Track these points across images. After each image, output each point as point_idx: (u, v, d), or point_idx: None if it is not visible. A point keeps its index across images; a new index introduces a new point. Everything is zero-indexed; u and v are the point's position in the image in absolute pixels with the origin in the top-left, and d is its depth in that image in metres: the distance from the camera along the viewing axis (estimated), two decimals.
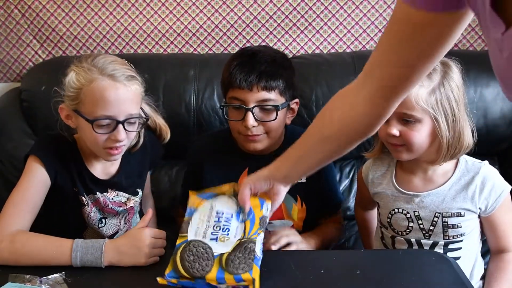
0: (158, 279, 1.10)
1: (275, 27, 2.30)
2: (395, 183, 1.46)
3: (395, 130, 1.34)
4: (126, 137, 1.38)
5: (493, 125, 1.99)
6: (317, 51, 2.32)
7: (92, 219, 1.49)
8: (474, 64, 2.04)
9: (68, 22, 2.32)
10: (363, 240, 1.72)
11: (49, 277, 1.13)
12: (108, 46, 2.34)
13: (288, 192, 1.42)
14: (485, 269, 1.48)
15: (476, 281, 1.47)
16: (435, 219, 1.40)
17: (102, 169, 1.51)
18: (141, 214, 1.64)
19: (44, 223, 1.37)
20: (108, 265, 1.22)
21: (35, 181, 1.38)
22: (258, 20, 2.29)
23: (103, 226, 1.51)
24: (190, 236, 1.16)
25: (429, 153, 1.38)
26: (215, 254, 1.12)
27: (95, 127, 1.34)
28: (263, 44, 2.31)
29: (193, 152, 1.72)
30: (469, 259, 1.44)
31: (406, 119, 1.33)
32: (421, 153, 1.38)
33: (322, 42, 2.30)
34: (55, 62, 2.28)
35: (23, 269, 1.16)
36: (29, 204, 1.35)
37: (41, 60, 2.35)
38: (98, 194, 1.48)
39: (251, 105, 1.47)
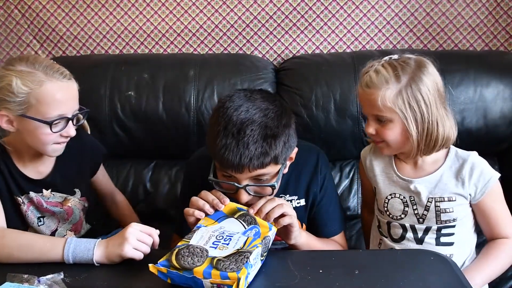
0: (150, 265, 1.13)
1: (275, 27, 2.30)
2: (395, 168, 1.54)
3: (371, 129, 1.46)
4: (75, 132, 1.46)
5: (493, 125, 1.99)
6: (317, 51, 2.32)
7: (30, 217, 1.51)
8: (474, 64, 2.04)
9: (68, 22, 2.32)
10: (367, 241, 1.72)
11: (47, 276, 1.13)
12: (108, 46, 2.35)
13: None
14: None
15: None
16: (428, 203, 1.48)
17: (35, 169, 1.52)
18: (98, 211, 1.73)
19: None
20: (99, 260, 1.23)
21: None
22: (258, 20, 2.29)
23: (42, 225, 1.53)
24: (193, 241, 1.20)
25: (406, 148, 1.46)
26: (209, 255, 1.15)
27: (53, 127, 1.38)
28: (263, 44, 2.31)
29: (188, 174, 1.64)
30: (463, 247, 1.50)
31: (379, 119, 1.43)
32: (400, 148, 1.47)
33: (322, 42, 2.30)
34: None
35: (21, 269, 1.16)
36: None
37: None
38: (32, 194, 1.50)
39: (244, 183, 1.32)
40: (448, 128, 1.43)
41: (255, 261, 1.15)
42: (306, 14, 2.27)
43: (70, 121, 1.43)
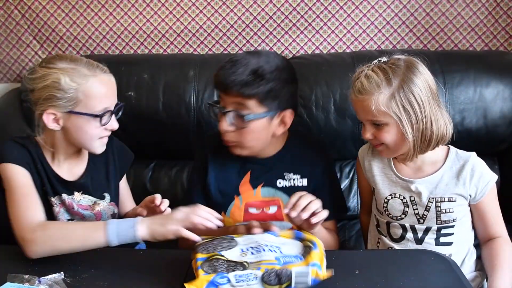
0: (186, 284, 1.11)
1: (275, 27, 2.30)
2: (394, 169, 1.54)
3: (368, 135, 1.46)
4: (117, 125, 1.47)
5: (493, 125, 1.99)
6: (317, 51, 2.32)
7: (61, 219, 1.49)
8: (474, 64, 2.04)
9: (68, 23, 2.32)
10: (366, 244, 1.72)
11: (48, 277, 1.13)
12: (108, 47, 2.35)
13: (287, 193, 1.57)
14: (477, 257, 1.55)
15: (468, 270, 1.52)
16: (429, 204, 1.48)
17: (69, 170, 1.51)
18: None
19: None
20: (143, 235, 1.24)
21: (21, 179, 1.39)
22: (258, 20, 2.29)
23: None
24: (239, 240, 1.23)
25: (405, 149, 1.46)
26: (219, 251, 1.18)
27: (102, 120, 1.41)
28: (263, 44, 2.31)
29: (201, 147, 1.72)
30: (461, 246, 1.51)
31: (375, 123, 1.43)
32: (399, 150, 1.47)
33: (322, 42, 2.30)
34: None
35: (21, 269, 1.16)
36: (31, 197, 1.37)
37: (41, 60, 2.35)
38: (64, 196, 1.49)
39: (228, 109, 1.48)
40: (443, 125, 1.43)
41: (241, 279, 1.11)
42: (306, 14, 2.28)
43: (113, 114, 1.45)
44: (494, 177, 1.49)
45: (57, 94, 1.38)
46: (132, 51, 2.35)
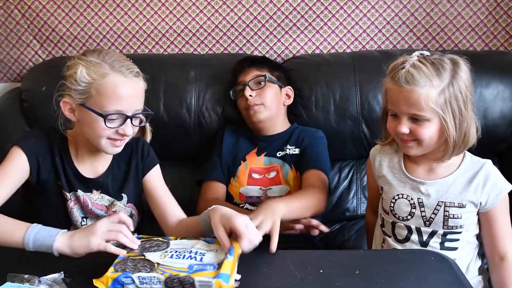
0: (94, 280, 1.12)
1: (275, 27, 2.30)
2: (404, 169, 1.49)
3: (404, 128, 1.37)
4: (133, 131, 1.43)
5: (493, 125, 1.99)
6: (317, 51, 2.32)
7: (75, 215, 1.48)
8: (474, 64, 2.00)
9: (68, 22, 2.32)
10: (369, 243, 1.72)
11: (48, 277, 1.13)
12: (108, 46, 2.34)
13: (284, 160, 1.89)
14: (481, 265, 1.52)
15: (472, 276, 1.49)
16: (438, 207, 1.43)
17: (91, 167, 1.51)
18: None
19: (31, 219, 1.35)
20: (60, 248, 1.20)
21: (14, 165, 1.40)
22: (258, 20, 2.29)
23: (86, 225, 1.49)
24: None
25: (436, 150, 1.41)
26: (142, 252, 1.19)
27: (107, 121, 1.37)
28: (263, 44, 2.32)
29: (220, 126, 2.08)
30: (466, 253, 1.47)
31: (415, 118, 1.36)
32: (431, 149, 1.41)
33: (322, 42, 2.30)
34: (55, 62, 2.28)
35: (22, 269, 1.15)
36: (5, 182, 1.37)
37: (41, 60, 2.36)
38: (80, 192, 1.48)
39: (248, 80, 1.92)
40: (473, 131, 1.39)
41: (144, 281, 1.10)
42: (306, 14, 2.28)
43: (129, 120, 1.39)
44: (508, 187, 1.43)
45: (71, 85, 1.39)
46: (132, 51, 2.35)
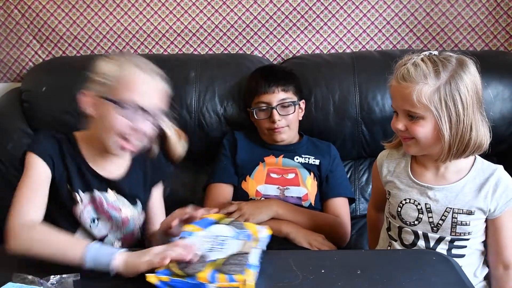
0: (147, 275, 1.10)
1: (275, 27, 2.30)
2: (410, 174, 1.47)
3: (400, 125, 1.38)
4: (150, 131, 1.41)
5: (493, 126, 1.96)
6: (317, 51, 2.32)
7: (84, 218, 1.45)
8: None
9: (68, 22, 2.32)
10: (370, 241, 1.72)
11: (52, 277, 1.12)
12: (108, 46, 2.34)
13: (302, 165, 1.92)
14: (488, 273, 1.49)
15: (479, 280, 1.47)
16: (446, 213, 1.40)
17: (107, 168, 1.48)
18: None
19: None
20: (118, 266, 1.18)
21: (38, 173, 1.38)
22: (258, 20, 2.29)
23: (96, 227, 1.47)
24: None
25: (435, 149, 1.39)
26: (209, 259, 1.13)
27: (123, 111, 1.36)
28: (263, 44, 2.32)
29: (230, 132, 2.07)
30: (473, 261, 1.45)
31: (410, 115, 1.36)
32: (429, 149, 1.39)
33: (322, 42, 2.31)
34: (55, 62, 2.28)
35: (27, 269, 1.15)
36: (37, 193, 1.36)
37: (41, 60, 2.35)
38: (96, 192, 1.45)
39: (275, 104, 1.89)
40: (482, 134, 1.35)
41: (258, 261, 1.15)
42: (306, 14, 2.28)
43: (147, 115, 1.38)
44: None
45: (98, 78, 1.40)
46: (132, 51, 2.35)
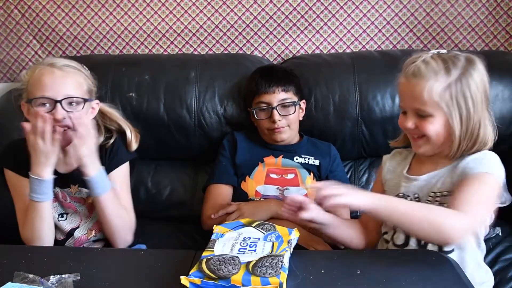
0: (182, 278, 1.09)
1: (275, 27, 2.30)
2: (404, 170, 1.48)
3: (410, 123, 1.37)
4: (66, 117, 1.48)
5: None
6: (317, 51, 2.32)
7: (53, 214, 1.56)
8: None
9: (68, 22, 2.32)
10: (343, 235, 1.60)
11: (52, 277, 1.12)
12: (108, 46, 2.35)
13: (302, 165, 1.93)
14: (484, 272, 1.46)
15: (484, 270, 1.45)
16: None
17: (64, 163, 1.57)
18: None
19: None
20: None
21: (14, 185, 1.57)
22: (258, 20, 2.29)
23: (65, 220, 1.60)
24: (217, 251, 1.17)
25: (445, 147, 1.38)
26: (242, 261, 1.12)
27: (34, 105, 1.48)
28: (263, 44, 2.32)
29: (230, 133, 2.07)
30: (464, 256, 1.39)
31: (420, 113, 1.35)
32: (440, 146, 1.38)
33: (322, 42, 2.31)
34: None
35: (28, 268, 1.15)
36: (21, 199, 1.54)
37: (41, 60, 2.35)
38: (57, 189, 1.56)
39: (275, 104, 1.90)
40: (489, 132, 1.37)
41: (288, 264, 1.13)
42: (306, 14, 2.28)
43: (58, 104, 1.47)
44: (494, 170, 1.35)
45: (21, 88, 1.56)
46: (132, 51, 2.35)
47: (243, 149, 1.97)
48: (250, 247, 1.17)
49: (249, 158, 1.96)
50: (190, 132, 2.07)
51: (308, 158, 1.95)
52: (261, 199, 1.88)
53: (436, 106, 1.32)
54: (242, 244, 1.19)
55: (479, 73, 1.35)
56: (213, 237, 1.23)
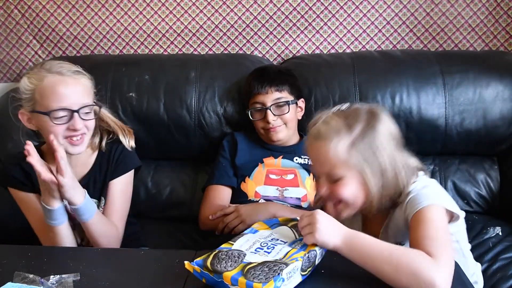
0: (186, 263, 1.13)
1: (275, 27, 2.30)
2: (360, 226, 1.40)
3: (324, 190, 1.29)
4: (84, 126, 1.48)
5: (493, 126, 1.99)
6: (317, 51, 2.32)
7: None
8: (474, 65, 2.04)
9: (68, 22, 2.33)
10: None
11: (52, 277, 1.13)
12: (108, 46, 2.35)
13: (301, 166, 1.92)
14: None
15: (473, 280, 1.43)
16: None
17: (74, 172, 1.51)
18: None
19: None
20: None
21: (27, 205, 1.54)
22: (258, 20, 2.29)
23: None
24: (236, 245, 1.18)
25: (368, 205, 1.29)
26: (244, 261, 1.12)
27: (52, 119, 1.44)
28: (263, 44, 2.32)
29: (230, 134, 2.07)
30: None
31: (331, 177, 1.28)
32: (361, 207, 1.30)
33: (322, 42, 2.31)
34: None
35: (29, 269, 1.16)
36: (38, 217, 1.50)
37: (41, 60, 2.36)
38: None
39: (269, 104, 1.90)
40: (404, 174, 1.27)
41: (290, 275, 1.08)
42: (306, 14, 2.28)
43: (76, 114, 1.45)
44: (431, 202, 1.22)
45: (21, 96, 1.50)
46: (132, 51, 2.35)
47: (243, 150, 1.97)
48: (267, 248, 1.17)
49: (249, 159, 1.95)
50: (190, 132, 2.08)
51: (308, 159, 1.93)
52: (261, 200, 1.87)
53: (346, 166, 1.25)
54: (262, 244, 1.19)
55: (383, 122, 1.27)
56: (246, 231, 1.25)
